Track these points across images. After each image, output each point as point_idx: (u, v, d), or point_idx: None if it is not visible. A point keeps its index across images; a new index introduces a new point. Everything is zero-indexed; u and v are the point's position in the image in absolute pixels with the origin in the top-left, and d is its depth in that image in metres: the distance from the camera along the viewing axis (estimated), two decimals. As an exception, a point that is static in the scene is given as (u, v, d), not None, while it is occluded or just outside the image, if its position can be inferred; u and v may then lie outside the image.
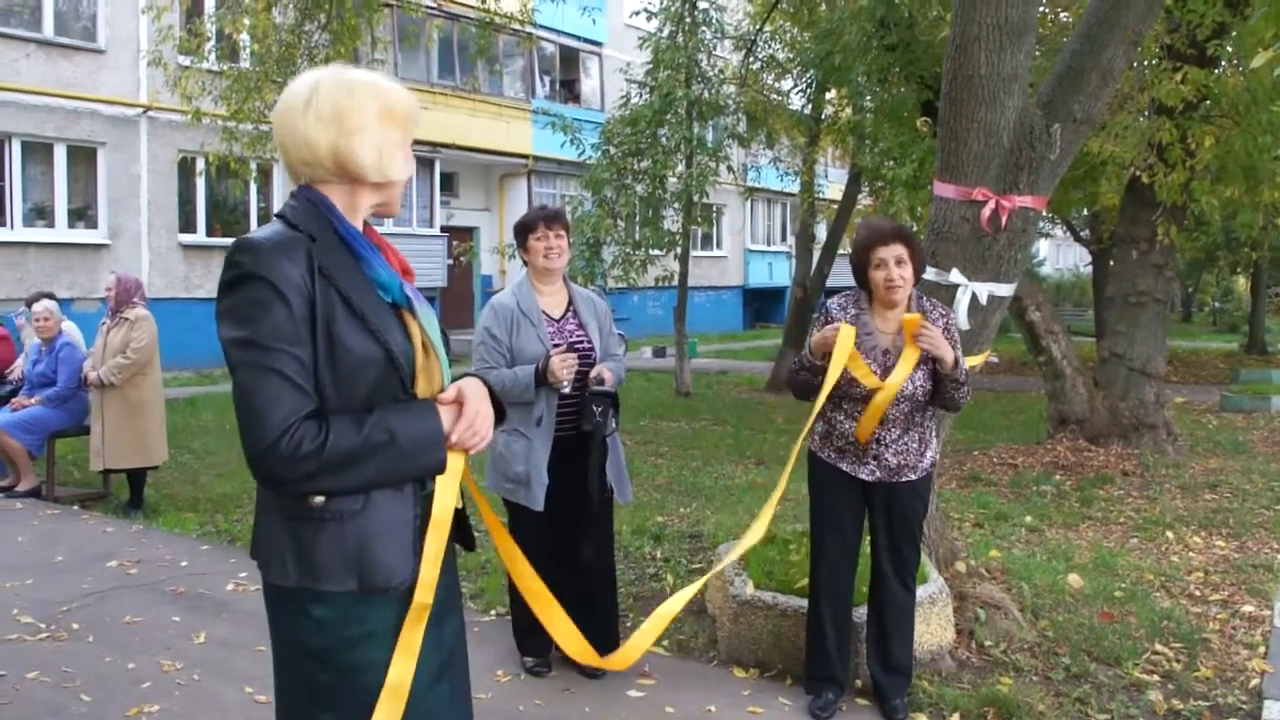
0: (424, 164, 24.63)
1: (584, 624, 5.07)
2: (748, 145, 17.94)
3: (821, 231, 21.35)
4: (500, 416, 2.42)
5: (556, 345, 4.89)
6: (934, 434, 4.54)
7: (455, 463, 2.28)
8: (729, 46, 18.14)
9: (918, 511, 4.51)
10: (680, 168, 15.32)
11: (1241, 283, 38.82)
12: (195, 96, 12.58)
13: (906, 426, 4.37)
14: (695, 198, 15.33)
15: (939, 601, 5.06)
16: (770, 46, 17.75)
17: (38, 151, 19.07)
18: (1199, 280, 40.78)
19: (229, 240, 21.67)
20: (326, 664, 2.21)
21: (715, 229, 33.80)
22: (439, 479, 2.27)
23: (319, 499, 2.15)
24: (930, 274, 5.26)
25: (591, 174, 15.01)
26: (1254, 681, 5.03)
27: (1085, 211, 22.84)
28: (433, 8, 20.87)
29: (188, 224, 21.21)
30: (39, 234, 19.06)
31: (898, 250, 4.30)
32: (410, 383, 2.26)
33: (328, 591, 2.18)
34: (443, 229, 25.08)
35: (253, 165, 19.93)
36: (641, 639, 2.82)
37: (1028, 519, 8.44)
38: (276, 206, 21.39)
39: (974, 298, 5.22)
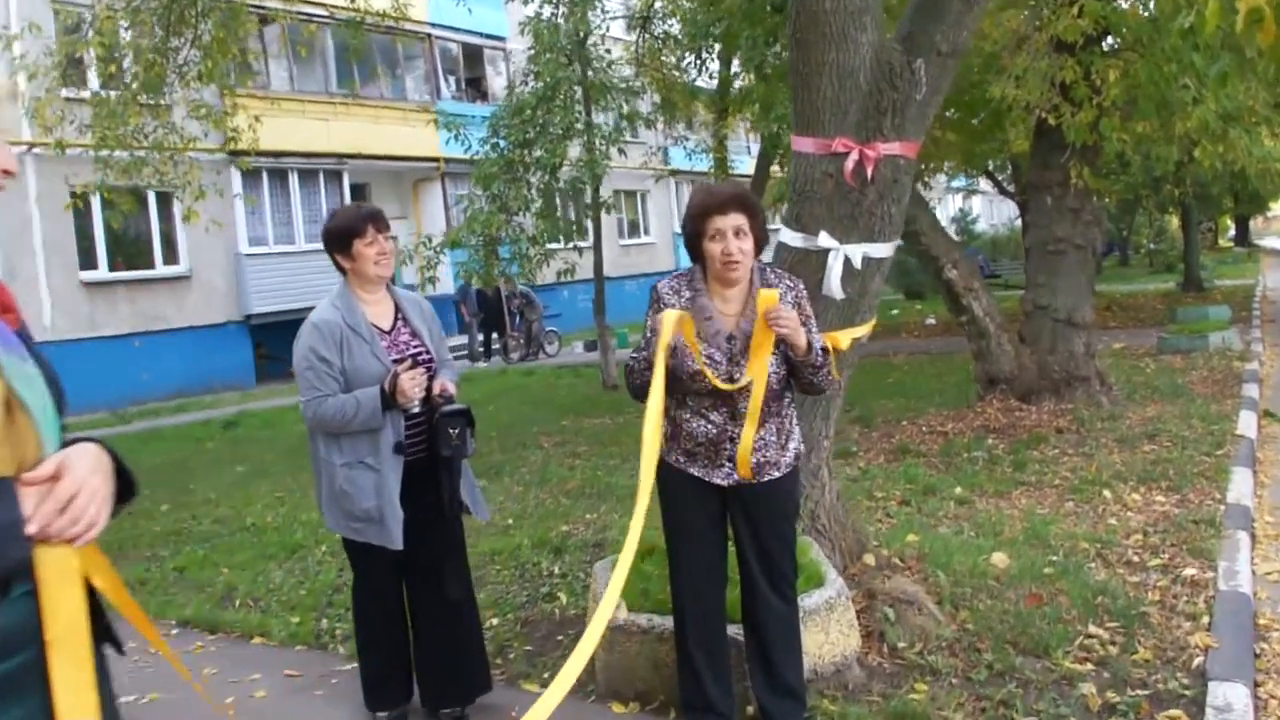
0: (332, 176, 23.95)
1: (454, 668, 4.53)
2: (652, 125, 17.31)
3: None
4: (128, 492, 1.84)
5: (398, 360, 4.29)
6: (795, 423, 3.94)
7: (62, 560, 1.69)
8: (623, 27, 17.59)
9: (787, 513, 3.92)
10: (575, 153, 14.70)
11: (1174, 222, 38.69)
12: (53, 126, 11.79)
13: (762, 419, 3.76)
14: (587, 184, 14.70)
15: (838, 606, 4.46)
16: (667, 23, 17.14)
17: (-83, 200, 18.22)
18: (1132, 223, 40.64)
19: (134, 275, 21.01)
20: None
21: (641, 215, 33.28)
22: (47, 585, 1.68)
23: None
24: (797, 239, 4.69)
25: (479, 168, 14.37)
26: (1197, 660, 4.50)
27: (1007, 164, 22.49)
28: (324, 17, 20.18)
29: (88, 261, 20.39)
30: (-74, 285, 18.17)
31: (736, 220, 3.69)
32: None
33: None
34: (359, 241, 24.34)
35: (151, 194, 19.47)
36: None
37: (957, 490, 7.92)
38: (180, 235, 20.98)
39: (847, 262, 4.64)
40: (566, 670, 2.47)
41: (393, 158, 25.20)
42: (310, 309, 4.49)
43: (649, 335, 3.69)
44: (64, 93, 12.00)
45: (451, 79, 27.86)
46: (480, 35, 27.35)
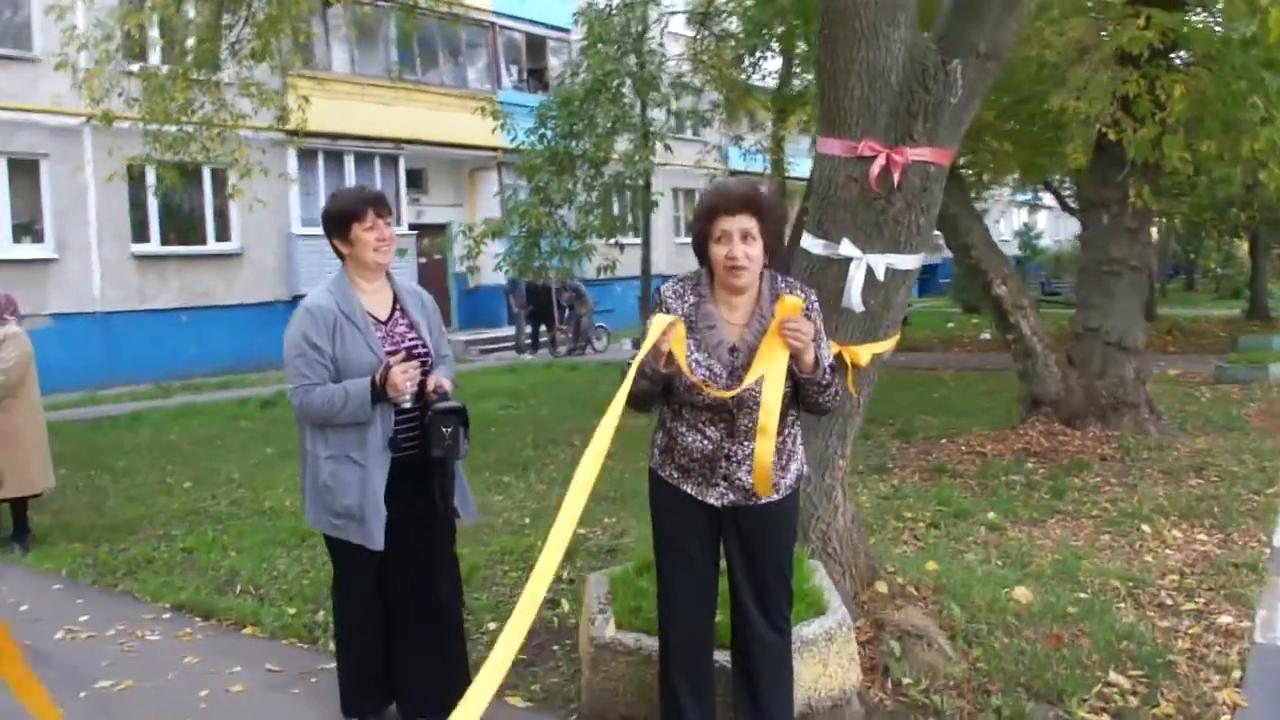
0: (388, 161, 23.91)
1: (435, 676, 4.31)
2: (708, 124, 17.03)
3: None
4: None
5: (392, 352, 4.08)
6: (798, 444, 3.66)
7: None
8: (683, 21, 17.35)
9: (785, 539, 3.64)
10: (623, 148, 14.43)
11: (1243, 247, 37.83)
12: (100, 98, 11.75)
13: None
14: (630, 180, 14.45)
15: (838, 637, 4.18)
16: (728, 21, 16.87)
17: (-23, 167, 18.38)
18: (1200, 246, 39.78)
19: (186, 250, 21.07)
20: None
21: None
22: None
23: None
24: (818, 246, 4.43)
25: (523, 159, 14.19)
26: (1223, 719, 4.19)
27: (1067, 179, 22.00)
28: (384, 1, 20.15)
29: (141, 233, 20.46)
30: (-18, 250, 18.35)
31: (745, 223, 3.40)
32: None
33: None
34: (411, 226, 24.22)
35: (206, 170, 19.51)
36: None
37: (990, 516, 7.61)
38: (233, 212, 21.00)
39: (870, 273, 4.37)
40: (481, 682, 2.20)
41: (451, 145, 25.06)
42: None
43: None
44: (116, 66, 11.91)
45: (514, 68, 27.73)
46: (544, 25, 27.26)
